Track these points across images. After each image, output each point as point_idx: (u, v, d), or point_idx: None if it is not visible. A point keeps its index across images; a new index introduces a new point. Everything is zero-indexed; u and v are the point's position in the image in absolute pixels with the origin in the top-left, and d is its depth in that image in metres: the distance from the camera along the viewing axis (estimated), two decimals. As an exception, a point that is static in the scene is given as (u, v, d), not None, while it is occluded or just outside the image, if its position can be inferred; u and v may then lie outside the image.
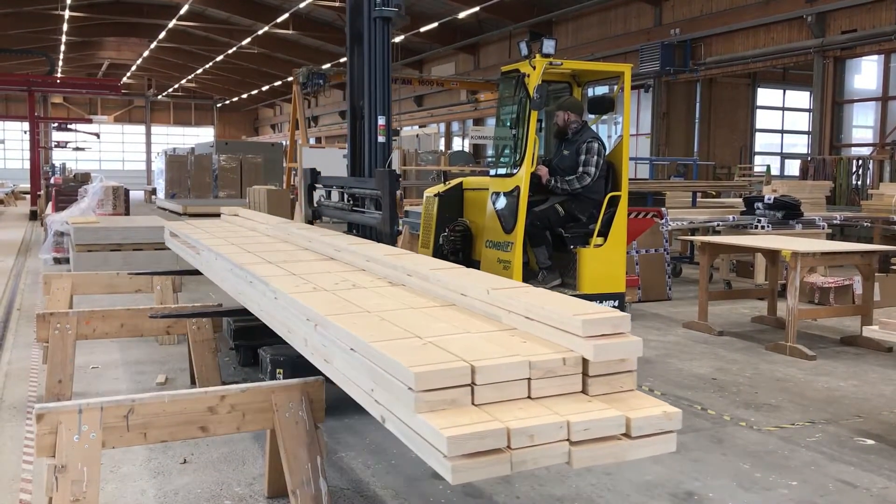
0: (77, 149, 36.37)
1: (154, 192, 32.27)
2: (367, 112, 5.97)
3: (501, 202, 6.40)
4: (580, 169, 6.37)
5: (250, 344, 5.81)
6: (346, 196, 6.41)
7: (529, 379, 2.33)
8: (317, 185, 6.94)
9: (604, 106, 6.92)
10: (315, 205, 6.93)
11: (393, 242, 5.37)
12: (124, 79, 49.42)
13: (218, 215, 8.30)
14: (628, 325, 2.48)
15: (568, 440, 2.19)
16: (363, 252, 4.44)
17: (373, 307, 3.18)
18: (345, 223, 6.52)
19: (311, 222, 6.78)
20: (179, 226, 7.01)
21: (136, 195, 29.69)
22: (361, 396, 2.63)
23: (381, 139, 5.93)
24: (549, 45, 6.18)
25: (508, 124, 6.72)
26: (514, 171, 6.33)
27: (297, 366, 4.69)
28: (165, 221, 7.61)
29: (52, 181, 20.75)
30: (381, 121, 5.93)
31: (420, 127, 33.91)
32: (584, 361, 2.41)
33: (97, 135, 38.28)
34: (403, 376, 2.26)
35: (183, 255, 6.52)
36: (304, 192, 6.93)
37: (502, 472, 2.11)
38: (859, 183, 16.54)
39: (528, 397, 2.33)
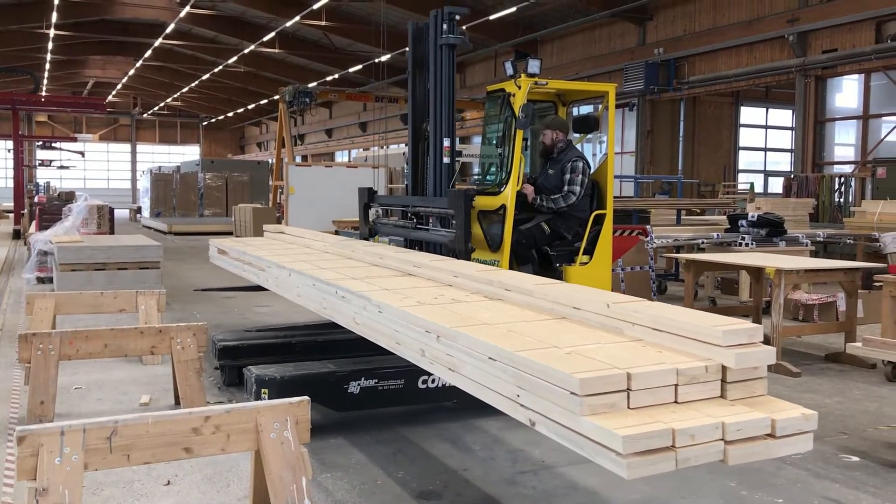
0: (61, 167, 36.22)
1: (139, 210, 32.16)
2: (433, 134, 6.22)
3: (488, 220, 6.41)
4: (565, 188, 6.41)
5: (235, 364, 5.80)
6: (408, 214, 6.54)
7: (676, 385, 2.54)
8: (372, 204, 7.04)
9: (588, 125, 6.96)
10: (371, 223, 7.04)
11: (468, 259, 5.54)
12: (110, 97, 49.30)
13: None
14: (761, 335, 2.72)
15: (723, 440, 2.39)
16: (449, 268, 4.58)
17: (489, 319, 3.37)
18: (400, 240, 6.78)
19: (366, 239, 6.97)
20: (230, 243, 7.14)
21: (121, 214, 29.58)
22: (500, 402, 2.83)
23: (445, 160, 6.17)
24: (534, 65, 6.23)
25: (494, 143, 6.76)
26: (501, 189, 6.35)
27: (283, 386, 4.68)
28: (211, 239, 7.75)
29: (35, 200, 20.61)
30: (447, 142, 6.16)
31: (406, 145, 33.99)
32: (723, 368, 2.62)
33: (82, 153, 38.14)
34: (565, 382, 2.46)
35: (236, 271, 6.70)
36: (360, 211, 7.10)
37: (668, 468, 2.31)
38: (842, 200, 16.69)
39: (675, 402, 2.54)
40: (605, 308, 3.22)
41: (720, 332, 2.65)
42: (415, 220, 6.44)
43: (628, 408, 2.45)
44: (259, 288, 6.69)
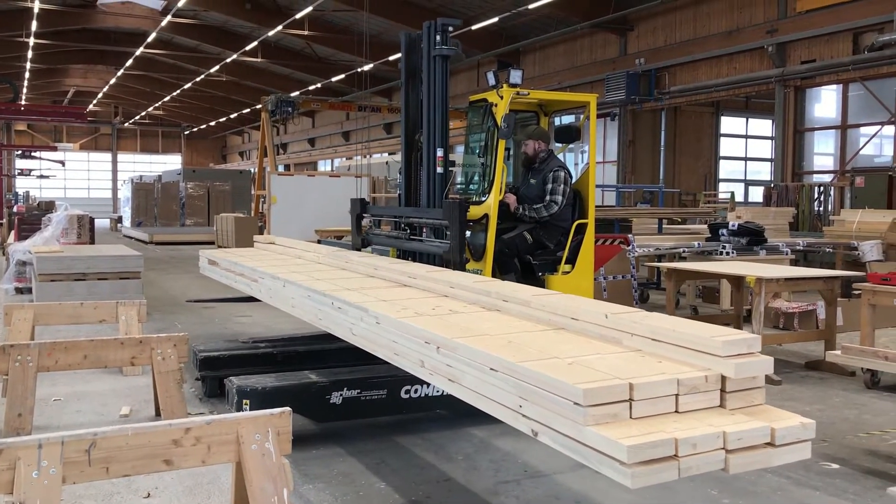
0: (41, 176, 35.88)
1: (120, 220, 31.95)
2: (427, 144, 6.23)
3: (471, 229, 6.42)
4: (547, 197, 6.43)
5: (216, 374, 5.76)
6: (401, 225, 6.54)
7: (677, 395, 2.58)
8: (364, 215, 7.06)
9: (570, 135, 7.00)
10: (363, 233, 7.07)
11: (463, 270, 5.57)
12: (90, 106, 49.00)
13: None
14: (759, 346, 2.75)
15: (724, 448, 2.43)
16: (445, 279, 4.59)
17: (489, 330, 3.39)
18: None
19: (359, 249, 6.99)
20: (220, 254, 7.16)
21: (102, 223, 29.34)
22: (502, 412, 2.85)
23: (439, 170, 6.18)
24: (515, 76, 6.26)
25: (477, 152, 6.78)
26: (483, 198, 6.36)
27: (265, 396, 4.66)
28: (201, 250, 7.75)
29: (14, 209, 20.44)
30: (440, 152, 6.18)
31: (389, 154, 34.02)
32: (722, 378, 2.66)
33: (62, 162, 37.78)
34: (568, 393, 2.48)
35: (228, 282, 6.70)
36: (352, 221, 7.13)
37: (671, 477, 2.36)
38: (821, 209, 16.85)
39: (676, 411, 2.57)
40: (603, 319, 3.26)
41: (719, 343, 2.68)
42: (408, 231, 6.44)
43: (630, 417, 2.49)
44: (251, 299, 6.66)
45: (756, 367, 2.68)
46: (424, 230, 6.32)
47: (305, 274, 5.43)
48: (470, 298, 4.20)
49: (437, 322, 3.58)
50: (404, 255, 6.47)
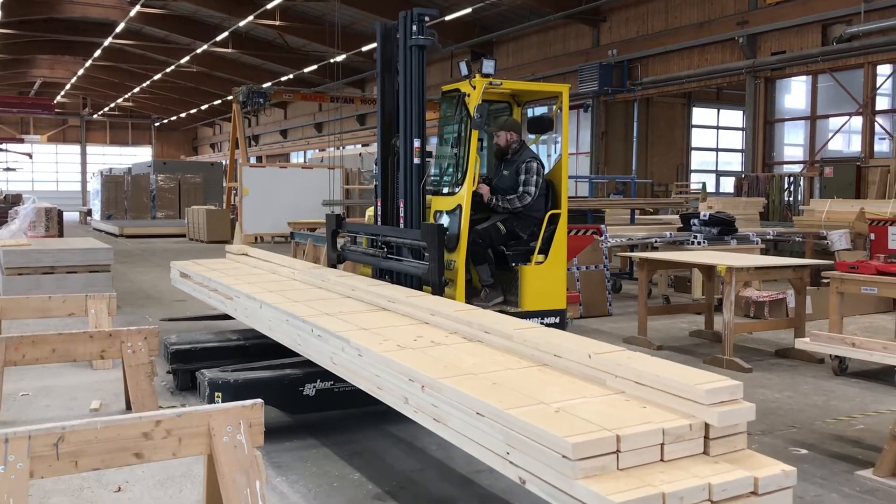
0: (8, 169, 35.35)
1: (89, 213, 31.58)
2: (403, 136, 6.17)
3: (444, 221, 6.41)
4: (520, 188, 6.43)
5: (188, 367, 5.71)
6: (378, 243, 6.48)
7: (662, 444, 2.58)
8: (340, 231, 7.01)
9: (543, 126, 7.00)
10: (339, 249, 7.01)
11: (442, 292, 5.54)
12: (58, 97, 48.26)
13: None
14: (741, 392, 2.76)
15: (710, 500, 2.43)
16: (426, 305, 4.54)
17: (473, 368, 3.36)
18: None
19: (334, 266, 6.93)
20: (192, 267, 7.06)
21: (71, 217, 28.97)
22: (489, 457, 2.82)
23: (416, 161, 6.13)
24: (488, 66, 6.24)
25: (450, 143, 6.75)
26: (456, 189, 6.35)
27: (237, 389, 4.62)
28: (172, 262, 7.61)
29: (-19, 202, 20.10)
30: (417, 143, 6.15)
31: (363, 146, 33.88)
32: (706, 425, 2.67)
33: (29, 155, 37.27)
34: (557, 445, 2.47)
35: (202, 297, 6.58)
36: (328, 238, 7.06)
37: None
38: (791, 199, 17.06)
39: (661, 460, 2.57)
40: (586, 358, 3.25)
41: (702, 391, 2.68)
42: (385, 249, 6.40)
43: (618, 469, 2.48)
44: (227, 317, 6.56)
45: (739, 414, 2.70)
46: (404, 249, 6.26)
47: (281, 294, 5.36)
48: (451, 327, 4.16)
49: (419, 357, 3.54)
50: (381, 273, 6.42)
